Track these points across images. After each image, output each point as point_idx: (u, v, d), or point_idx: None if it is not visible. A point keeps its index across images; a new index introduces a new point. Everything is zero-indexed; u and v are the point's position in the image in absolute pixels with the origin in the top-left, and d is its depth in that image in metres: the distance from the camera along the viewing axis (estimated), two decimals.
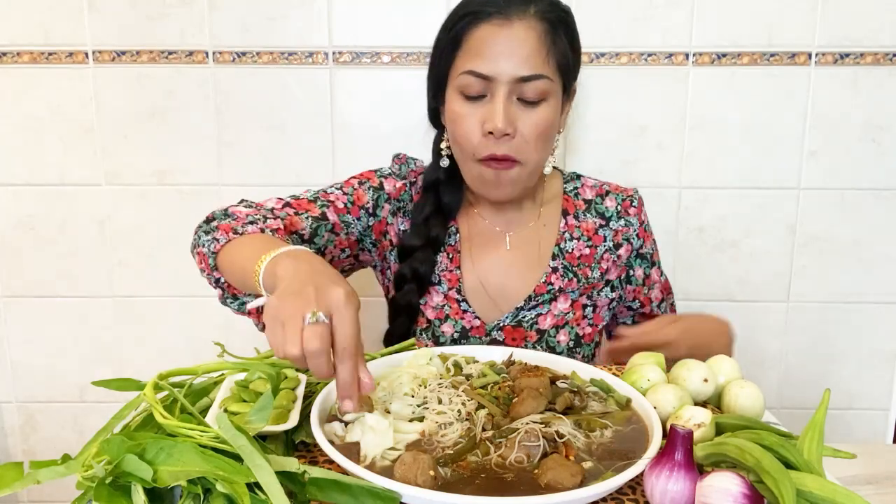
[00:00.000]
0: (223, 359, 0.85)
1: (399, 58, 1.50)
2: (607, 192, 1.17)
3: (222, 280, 0.96)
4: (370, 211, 1.12)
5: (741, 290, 1.59)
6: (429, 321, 1.12)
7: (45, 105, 1.52)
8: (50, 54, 1.50)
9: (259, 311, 0.99)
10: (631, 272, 1.18)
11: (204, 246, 0.94)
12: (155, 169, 1.55)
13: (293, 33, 1.49)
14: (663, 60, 1.50)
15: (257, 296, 0.94)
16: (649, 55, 1.50)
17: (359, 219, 1.10)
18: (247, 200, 1.06)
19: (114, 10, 1.48)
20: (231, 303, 0.99)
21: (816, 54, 1.49)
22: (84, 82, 1.51)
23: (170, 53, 1.50)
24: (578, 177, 1.19)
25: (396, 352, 0.93)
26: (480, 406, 0.76)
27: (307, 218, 1.04)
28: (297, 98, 1.52)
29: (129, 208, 1.57)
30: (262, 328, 1.01)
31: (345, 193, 1.10)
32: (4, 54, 1.50)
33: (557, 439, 0.71)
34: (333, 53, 1.50)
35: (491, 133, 0.99)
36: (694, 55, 1.50)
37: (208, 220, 1.00)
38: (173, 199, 1.57)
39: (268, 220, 0.98)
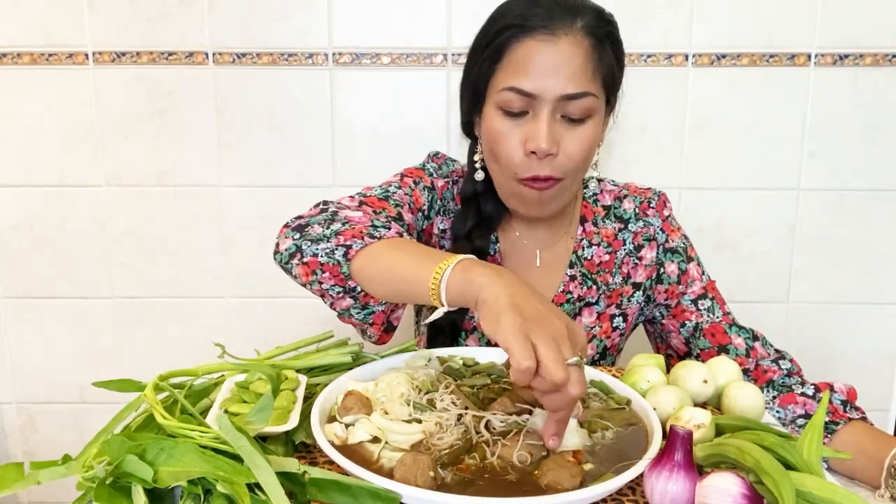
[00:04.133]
0: (223, 360, 0.85)
1: (399, 59, 1.50)
2: (625, 196, 1.14)
3: (358, 289, 0.87)
4: (426, 213, 1.09)
5: (741, 290, 1.60)
6: None
7: (45, 106, 1.52)
8: (50, 55, 1.50)
9: (384, 322, 0.94)
10: (662, 270, 1.11)
11: (321, 256, 0.85)
12: (155, 170, 1.56)
13: (293, 34, 1.49)
14: (663, 61, 1.50)
15: (422, 306, 0.89)
16: (649, 56, 1.50)
17: (417, 220, 1.07)
18: (324, 201, 0.98)
19: (114, 11, 1.48)
20: (357, 313, 0.90)
21: (816, 55, 1.49)
22: (84, 83, 1.51)
23: (170, 54, 1.50)
24: (598, 181, 1.15)
25: (396, 353, 0.93)
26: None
27: (386, 218, 0.96)
28: (297, 99, 1.52)
29: (130, 209, 1.57)
30: (374, 342, 0.96)
31: (406, 194, 1.05)
32: (4, 55, 1.50)
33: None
34: (333, 54, 1.50)
35: (534, 153, 0.95)
36: (694, 56, 1.50)
37: (301, 227, 0.91)
38: (173, 200, 1.57)
39: (387, 229, 0.89)
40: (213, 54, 1.50)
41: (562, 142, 0.96)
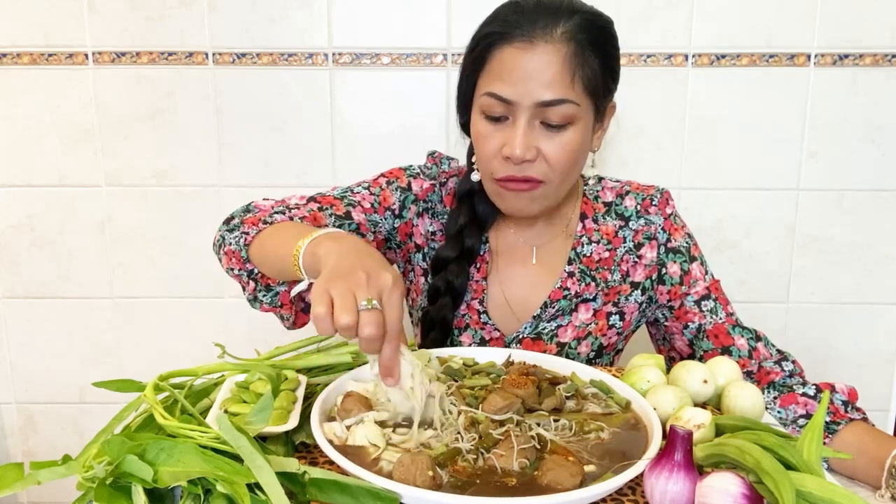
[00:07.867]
0: (223, 360, 0.85)
1: (398, 59, 1.50)
2: (627, 192, 1.13)
3: (256, 272, 0.95)
4: (396, 213, 1.10)
5: (741, 290, 1.60)
6: None
7: (44, 106, 1.52)
8: (50, 55, 1.50)
9: (293, 301, 1.00)
10: (664, 270, 1.10)
11: (232, 243, 0.94)
12: (155, 170, 1.56)
13: (293, 34, 1.49)
14: (663, 61, 1.50)
15: (295, 282, 0.93)
16: (649, 56, 1.50)
17: (385, 219, 1.09)
18: (270, 199, 1.05)
19: (114, 12, 1.48)
20: (264, 296, 0.98)
21: (815, 55, 1.49)
22: (84, 83, 1.51)
23: (170, 55, 1.50)
24: (599, 180, 1.15)
25: None
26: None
27: (330, 215, 1.03)
28: (296, 99, 1.52)
29: (129, 209, 1.57)
30: (292, 324, 1.02)
31: (372, 193, 1.08)
32: (4, 55, 1.50)
33: (543, 433, 0.71)
34: (333, 55, 1.50)
35: (509, 158, 0.96)
36: (693, 56, 1.50)
37: (228, 220, 1.00)
38: (173, 200, 1.57)
39: (293, 211, 0.98)
40: (213, 54, 1.50)
41: (541, 148, 0.96)
